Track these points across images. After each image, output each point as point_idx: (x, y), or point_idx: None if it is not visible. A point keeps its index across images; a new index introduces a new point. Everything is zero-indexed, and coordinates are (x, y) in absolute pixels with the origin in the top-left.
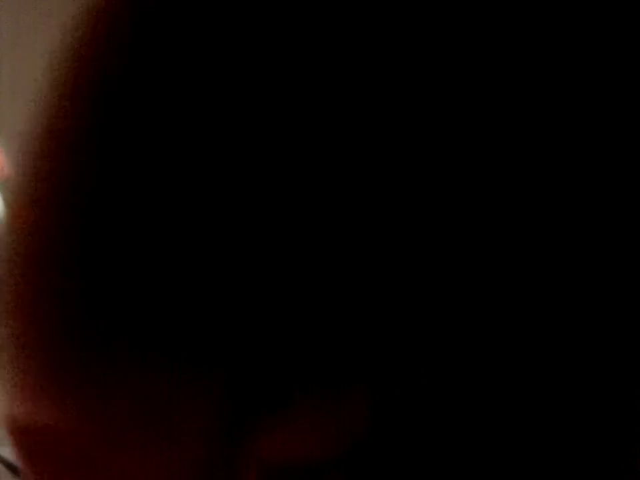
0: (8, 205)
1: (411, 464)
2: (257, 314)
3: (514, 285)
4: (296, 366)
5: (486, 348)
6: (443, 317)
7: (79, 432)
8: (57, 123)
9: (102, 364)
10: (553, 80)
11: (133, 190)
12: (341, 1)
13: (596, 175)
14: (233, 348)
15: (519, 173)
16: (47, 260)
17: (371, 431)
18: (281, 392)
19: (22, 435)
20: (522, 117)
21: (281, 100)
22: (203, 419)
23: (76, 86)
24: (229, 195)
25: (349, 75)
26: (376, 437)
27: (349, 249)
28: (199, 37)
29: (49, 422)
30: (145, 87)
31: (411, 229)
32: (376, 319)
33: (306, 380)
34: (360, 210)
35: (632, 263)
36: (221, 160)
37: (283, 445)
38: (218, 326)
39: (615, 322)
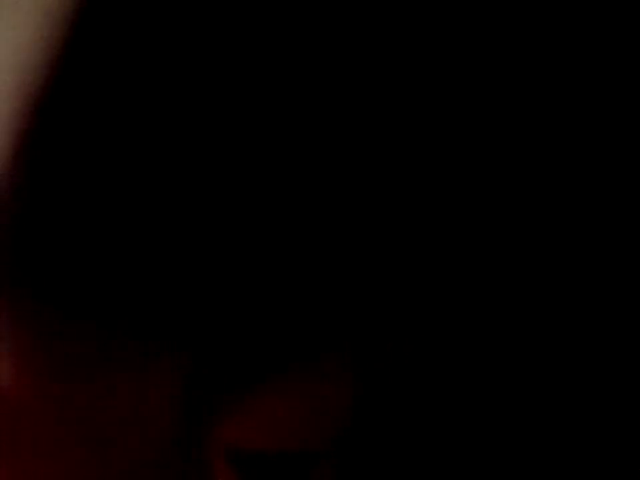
0: None
1: (400, 456)
2: (223, 288)
3: (510, 274)
4: (265, 343)
5: (480, 332)
6: (435, 298)
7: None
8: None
9: (63, 345)
10: (554, 80)
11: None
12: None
13: (596, 175)
14: (196, 325)
15: (519, 172)
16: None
17: (357, 421)
18: (246, 371)
19: None
20: (523, 117)
21: (276, 100)
22: (165, 399)
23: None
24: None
25: (347, 74)
26: (362, 428)
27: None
28: (194, 36)
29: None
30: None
31: (405, 221)
32: (357, 296)
33: (278, 360)
34: (352, 199)
35: (632, 263)
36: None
37: (255, 430)
38: (179, 301)
39: (615, 320)
